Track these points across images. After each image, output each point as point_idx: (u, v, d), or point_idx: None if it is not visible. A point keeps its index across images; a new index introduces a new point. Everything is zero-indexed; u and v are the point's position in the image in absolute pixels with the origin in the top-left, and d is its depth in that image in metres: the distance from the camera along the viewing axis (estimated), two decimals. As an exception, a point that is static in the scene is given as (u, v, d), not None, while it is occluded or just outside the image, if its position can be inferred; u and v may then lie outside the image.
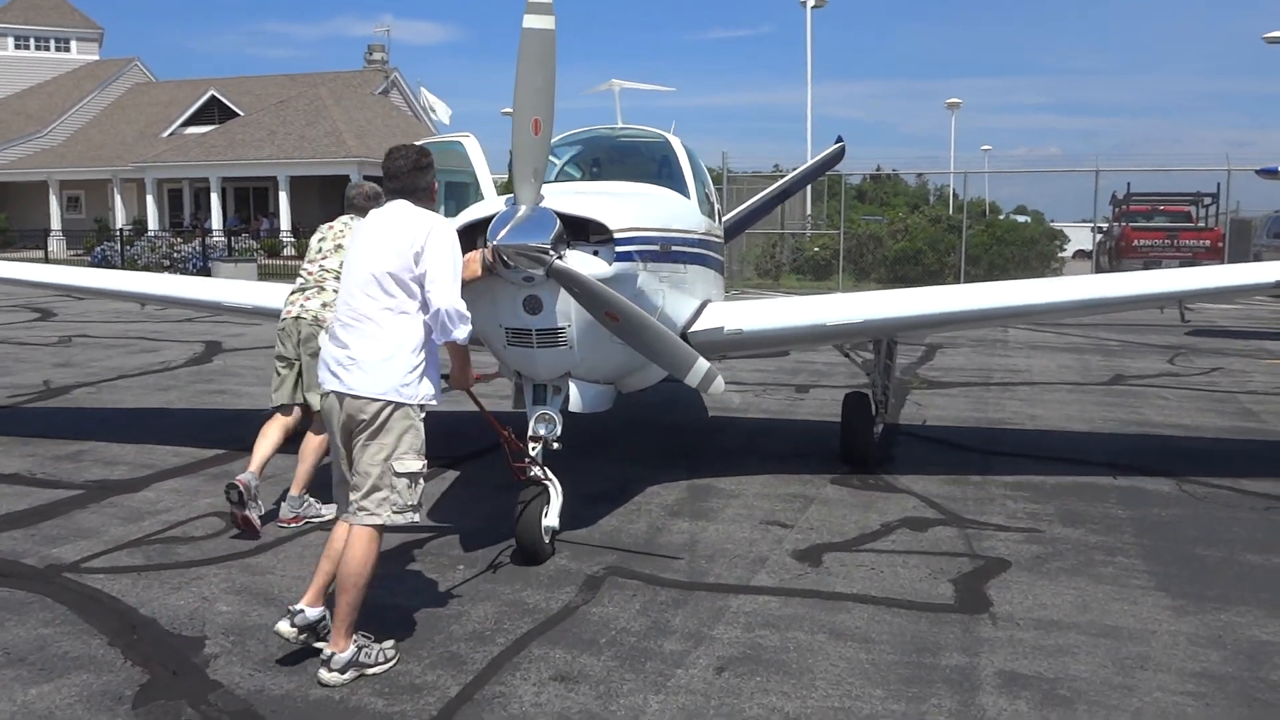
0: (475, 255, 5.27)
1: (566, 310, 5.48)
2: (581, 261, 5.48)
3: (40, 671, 4.27)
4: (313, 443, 6.18)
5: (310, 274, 6.39)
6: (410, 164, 4.55)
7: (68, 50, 52.73)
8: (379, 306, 4.33)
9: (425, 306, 4.34)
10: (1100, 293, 7.68)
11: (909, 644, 4.56)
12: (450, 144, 7.06)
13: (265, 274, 27.22)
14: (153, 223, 41.15)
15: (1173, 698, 4.07)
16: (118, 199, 44.02)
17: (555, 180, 7.85)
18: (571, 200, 5.75)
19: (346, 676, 4.15)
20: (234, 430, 8.54)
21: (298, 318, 6.28)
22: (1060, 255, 30.65)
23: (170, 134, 44.84)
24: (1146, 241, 27.44)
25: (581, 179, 8.26)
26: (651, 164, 8.05)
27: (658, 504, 6.70)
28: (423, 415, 4.40)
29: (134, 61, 52.06)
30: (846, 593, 5.17)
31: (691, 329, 6.90)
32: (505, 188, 5.58)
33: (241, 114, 43.71)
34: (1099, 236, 30.79)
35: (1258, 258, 21.00)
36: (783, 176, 16.35)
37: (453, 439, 8.09)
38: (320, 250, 6.43)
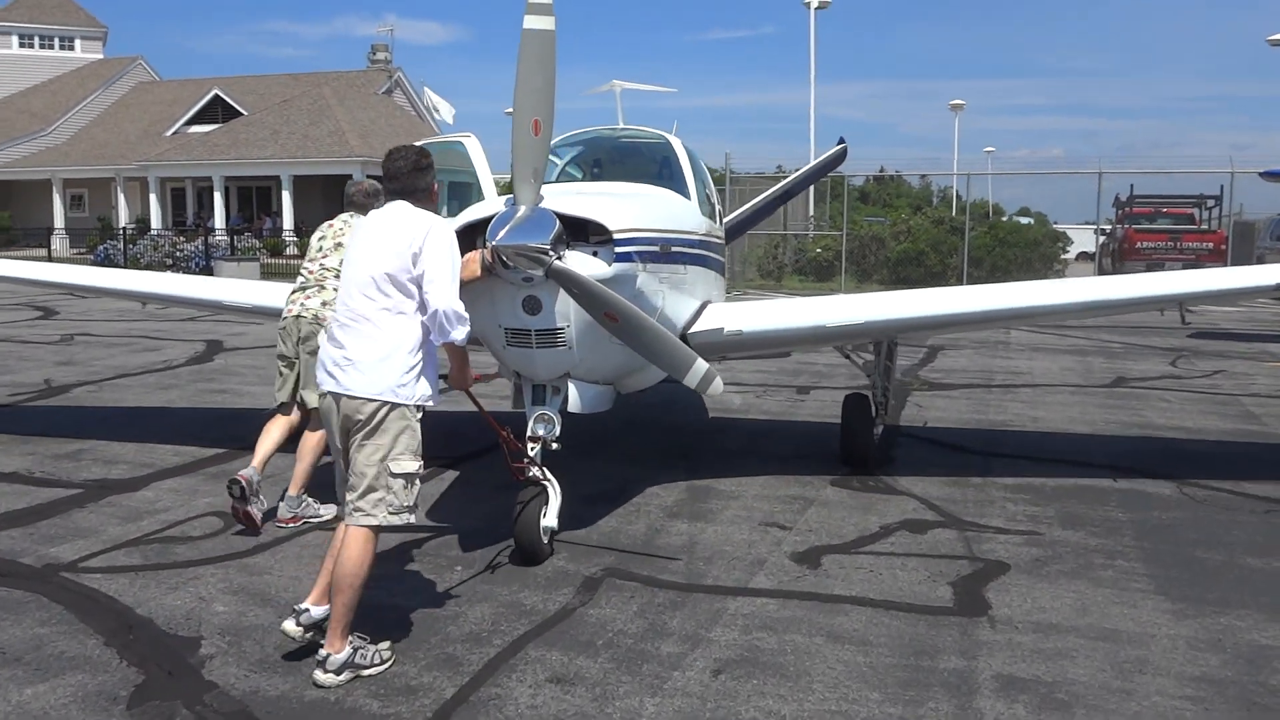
0: (474, 255, 5.27)
1: (566, 311, 5.47)
2: (580, 262, 5.48)
3: (35, 671, 4.26)
4: (310, 441, 6.17)
5: (311, 273, 6.39)
6: (410, 165, 4.54)
7: (72, 49, 52.80)
8: (376, 307, 4.33)
9: (423, 307, 4.34)
10: (1102, 295, 7.66)
11: (907, 647, 4.54)
12: (451, 144, 7.05)
13: (268, 273, 27.26)
14: (156, 222, 41.22)
15: (1171, 702, 4.05)
16: (121, 198, 44.09)
17: (556, 181, 7.85)
18: (571, 201, 5.75)
19: (342, 678, 4.14)
20: (234, 429, 8.54)
21: (298, 316, 6.28)
22: (1063, 257, 30.57)
23: (174, 133, 44.87)
24: (1149, 244, 27.41)
25: (583, 179, 8.26)
26: (652, 165, 8.04)
27: (657, 505, 6.69)
28: (420, 416, 4.39)
29: (138, 60, 52.13)
30: (845, 595, 5.15)
31: (691, 330, 6.89)
32: (507, 188, 5.57)
33: (245, 113, 43.75)
34: (1102, 238, 30.74)
35: (1261, 260, 20.96)
36: (786, 177, 16.33)
37: (452, 439, 8.08)
38: (320, 249, 6.43)
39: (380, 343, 4.30)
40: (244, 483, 5.97)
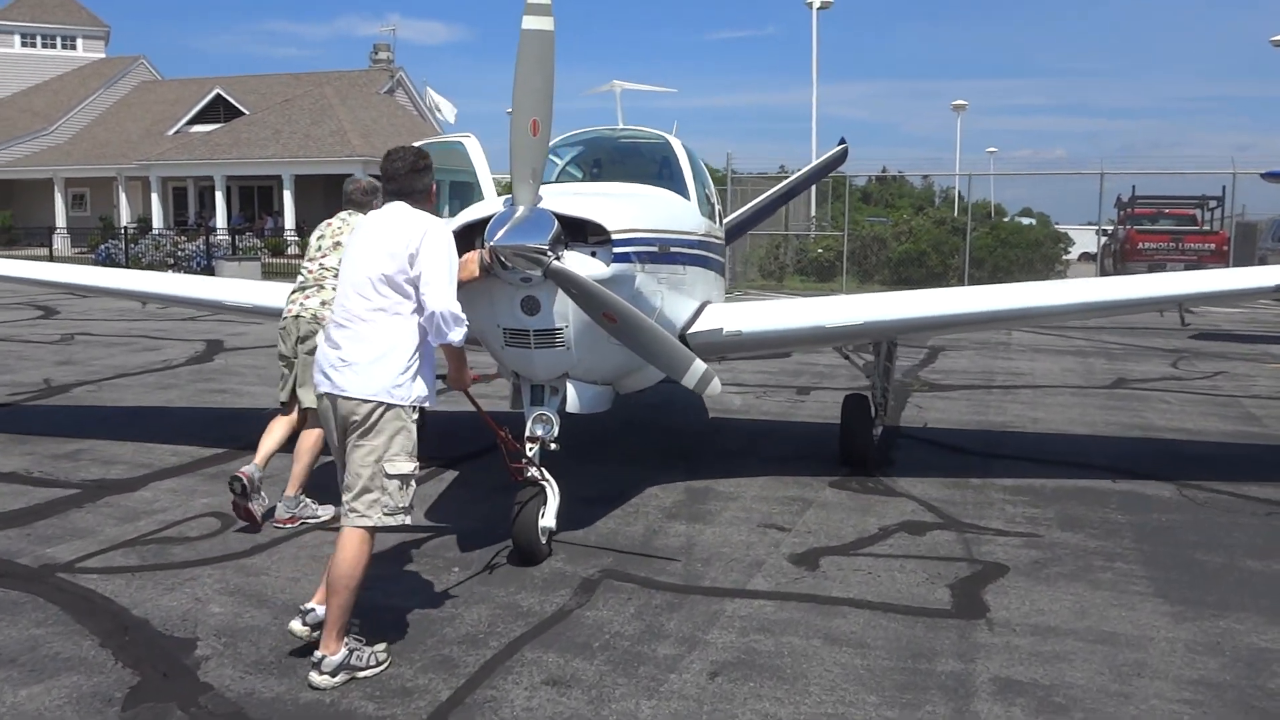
0: (473, 256, 5.26)
1: (564, 311, 5.46)
2: (579, 262, 5.47)
3: (31, 672, 4.25)
4: (307, 441, 6.17)
5: (310, 272, 6.39)
6: (408, 166, 4.54)
7: (74, 48, 52.83)
8: (372, 308, 4.32)
9: (420, 309, 4.33)
10: (1103, 296, 7.64)
11: (904, 649, 4.53)
12: (451, 144, 7.04)
13: (269, 273, 27.24)
14: (157, 221, 41.21)
15: (1169, 705, 4.04)
16: (122, 197, 44.09)
17: (556, 181, 7.85)
18: (569, 201, 5.74)
19: (337, 679, 4.13)
20: (234, 430, 8.53)
21: (297, 316, 6.28)
22: (1065, 258, 30.53)
23: (175, 132, 44.87)
24: (1151, 244, 27.39)
25: (582, 180, 8.25)
26: (652, 165, 8.04)
27: (655, 506, 6.68)
28: (415, 417, 4.38)
29: (140, 60, 52.14)
30: (842, 597, 5.14)
31: (690, 330, 6.88)
32: (507, 188, 5.57)
33: (247, 113, 43.72)
34: (1104, 239, 30.70)
35: (1263, 261, 20.95)
36: (788, 177, 16.31)
37: (450, 440, 8.07)
38: (320, 248, 6.42)
39: (376, 344, 4.29)
40: (245, 479, 5.99)
